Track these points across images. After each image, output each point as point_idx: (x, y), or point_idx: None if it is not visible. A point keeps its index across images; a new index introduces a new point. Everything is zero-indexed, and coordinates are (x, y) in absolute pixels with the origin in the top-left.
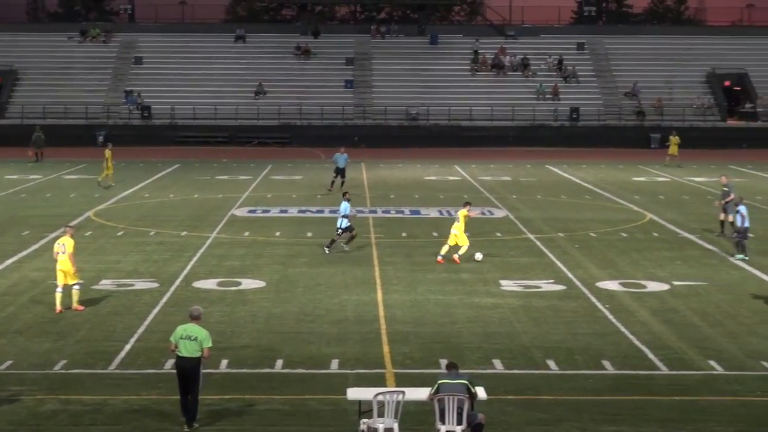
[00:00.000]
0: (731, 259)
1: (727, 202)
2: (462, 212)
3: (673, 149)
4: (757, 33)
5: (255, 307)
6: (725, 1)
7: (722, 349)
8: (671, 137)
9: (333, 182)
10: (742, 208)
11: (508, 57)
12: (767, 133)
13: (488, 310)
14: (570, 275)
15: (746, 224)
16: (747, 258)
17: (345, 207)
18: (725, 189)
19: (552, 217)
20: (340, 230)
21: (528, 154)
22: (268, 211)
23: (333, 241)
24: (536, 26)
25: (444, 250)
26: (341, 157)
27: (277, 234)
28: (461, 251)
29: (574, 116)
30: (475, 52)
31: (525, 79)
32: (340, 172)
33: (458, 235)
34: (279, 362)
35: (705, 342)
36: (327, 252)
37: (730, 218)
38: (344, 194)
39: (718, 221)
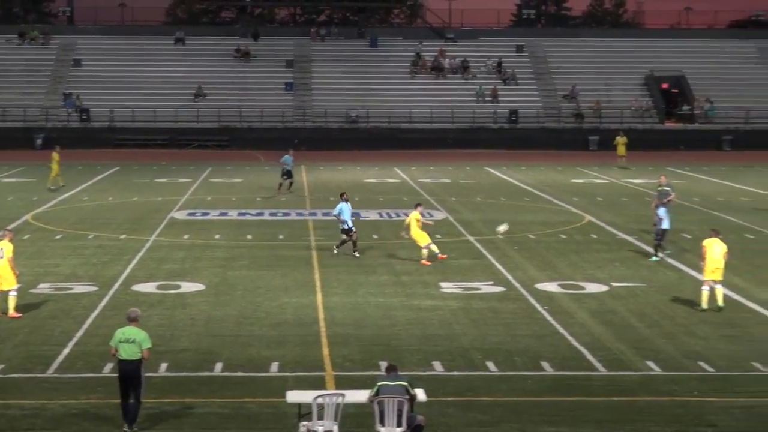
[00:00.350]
0: (668, 259)
1: (666, 203)
2: (414, 215)
3: (620, 150)
4: (694, 35)
5: (194, 310)
6: (663, 4)
7: (660, 350)
8: (618, 138)
9: (283, 184)
10: (661, 211)
11: (447, 60)
12: (705, 135)
13: (428, 312)
14: (509, 277)
15: (664, 226)
16: (659, 258)
17: (344, 208)
18: (666, 189)
19: (491, 219)
20: (352, 231)
21: (467, 157)
22: (207, 214)
23: (354, 242)
24: (476, 29)
25: (426, 253)
26: (290, 159)
27: (217, 237)
28: (432, 249)
29: (514, 118)
30: (418, 55)
31: (464, 82)
32: (288, 173)
33: (419, 235)
34: (218, 365)
35: (643, 343)
36: (357, 255)
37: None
38: (342, 194)
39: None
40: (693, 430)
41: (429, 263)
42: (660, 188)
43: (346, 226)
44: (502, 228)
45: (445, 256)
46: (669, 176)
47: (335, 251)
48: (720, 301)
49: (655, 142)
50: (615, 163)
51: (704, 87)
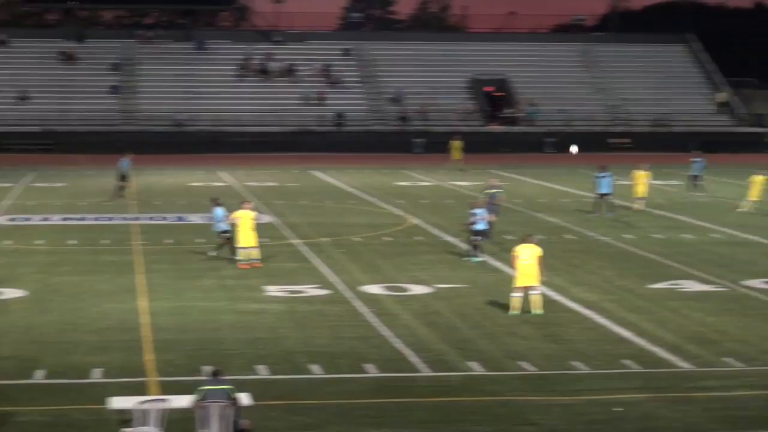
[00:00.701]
0: (491, 261)
1: (494, 204)
2: (239, 213)
3: (456, 154)
4: (517, 39)
5: (16, 317)
6: (487, 8)
7: (482, 350)
8: (453, 141)
9: (121, 188)
10: (480, 211)
11: (274, 62)
12: (527, 138)
13: (253, 316)
14: (335, 280)
15: (480, 227)
16: (479, 260)
17: (220, 212)
18: (495, 192)
19: (317, 222)
20: (228, 233)
21: (294, 160)
22: (29, 219)
23: (223, 246)
24: (303, 32)
25: (243, 254)
26: (126, 163)
27: (39, 242)
28: (252, 254)
29: (340, 122)
30: (246, 58)
31: (291, 85)
32: (123, 177)
33: (243, 235)
34: (40, 372)
35: (466, 343)
36: (212, 254)
37: (493, 218)
38: (215, 199)
39: None
40: (514, 429)
41: (247, 267)
42: (489, 191)
43: (221, 230)
44: (574, 150)
45: (260, 264)
46: (494, 179)
47: (236, 257)
48: (536, 308)
49: (479, 144)
50: (449, 165)
51: (527, 90)
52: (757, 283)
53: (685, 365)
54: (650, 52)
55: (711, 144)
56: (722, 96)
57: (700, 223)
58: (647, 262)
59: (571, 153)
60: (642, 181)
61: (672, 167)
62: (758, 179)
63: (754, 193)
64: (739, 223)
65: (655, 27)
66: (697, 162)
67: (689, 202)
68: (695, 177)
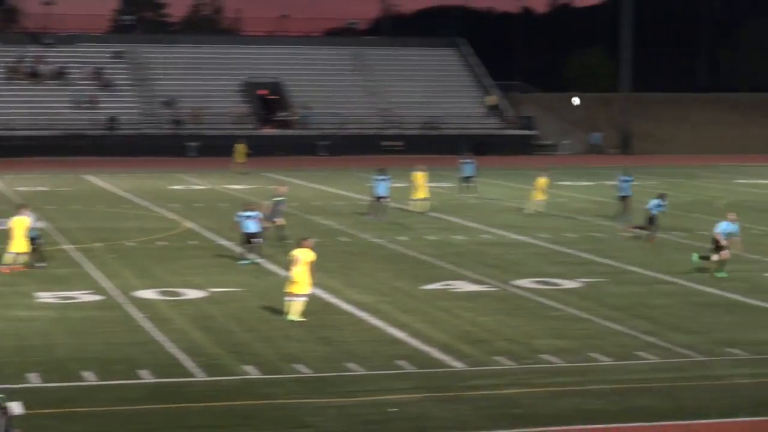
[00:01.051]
0: (267, 264)
1: (277, 210)
2: (14, 219)
3: (239, 157)
4: (290, 43)
5: None
6: (261, 11)
7: (258, 354)
8: (237, 145)
9: None
10: (254, 213)
11: (45, 65)
12: (301, 141)
13: (24, 323)
14: (107, 285)
15: (253, 229)
16: (250, 261)
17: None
18: (282, 199)
19: (90, 227)
20: (39, 242)
21: (65, 164)
22: None
23: (39, 253)
24: (74, 34)
25: (8, 259)
26: None
27: None
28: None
29: (112, 125)
30: (16, 60)
31: (62, 88)
32: None
33: (16, 241)
34: None
35: (241, 347)
36: (44, 266)
37: (279, 221)
38: (23, 205)
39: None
40: None
41: (7, 271)
42: (276, 198)
43: (30, 237)
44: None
45: (24, 268)
46: (273, 183)
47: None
48: (292, 314)
49: (254, 148)
50: (233, 169)
51: (301, 93)
52: (525, 282)
53: (457, 365)
54: (421, 55)
55: (481, 146)
56: (491, 99)
57: (471, 224)
58: (420, 263)
59: (574, 104)
60: (422, 182)
61: (443, 169)
62: (541, 181)
63: (539, 194)
64: (509, 224)
65: (427, 31)
66: (468, 164)
67: (460, 204)
68: (467, 179)
